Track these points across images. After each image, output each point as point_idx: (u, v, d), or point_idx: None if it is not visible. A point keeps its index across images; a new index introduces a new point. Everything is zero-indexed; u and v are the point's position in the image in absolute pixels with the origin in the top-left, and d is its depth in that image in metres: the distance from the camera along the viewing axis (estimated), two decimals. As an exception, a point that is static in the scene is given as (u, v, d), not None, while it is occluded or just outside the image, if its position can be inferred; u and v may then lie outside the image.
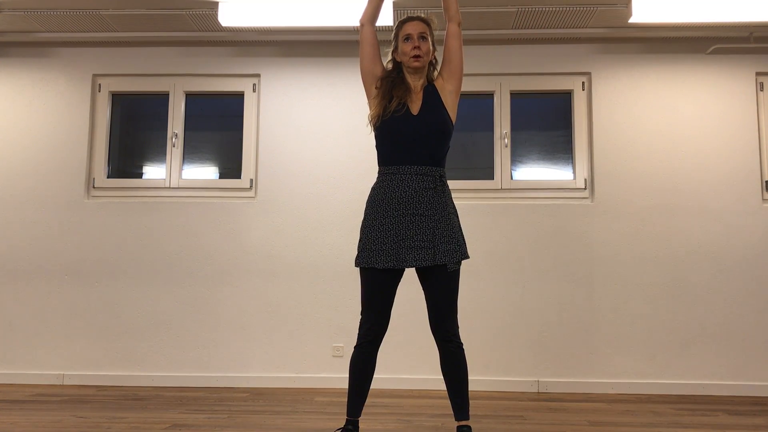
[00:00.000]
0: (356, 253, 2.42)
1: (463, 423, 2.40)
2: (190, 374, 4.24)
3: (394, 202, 2.37)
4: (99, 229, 4.39)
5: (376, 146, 2.48)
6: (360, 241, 2.42)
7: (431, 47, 2.49)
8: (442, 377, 2.45)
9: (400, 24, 2.50)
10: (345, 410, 2.50)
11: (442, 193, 2.39)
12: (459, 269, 2.40)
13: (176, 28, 4.37)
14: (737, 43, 4.28)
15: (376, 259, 2.35)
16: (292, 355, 4.24)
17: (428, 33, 2.48)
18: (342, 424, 2.58)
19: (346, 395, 2.47)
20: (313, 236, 4.33)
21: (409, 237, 2.34)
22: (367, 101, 2.54)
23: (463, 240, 2.43)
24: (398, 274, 2.41)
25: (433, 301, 2.39)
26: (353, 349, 2.43)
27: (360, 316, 2.43)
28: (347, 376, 2.46)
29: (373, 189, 2.45)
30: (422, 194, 2.36)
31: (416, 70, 2.47)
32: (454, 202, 2.51)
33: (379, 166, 2.47)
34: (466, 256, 2.41)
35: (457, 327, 2.41)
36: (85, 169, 4.46)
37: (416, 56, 2.43)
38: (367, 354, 2.40)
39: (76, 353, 4.29)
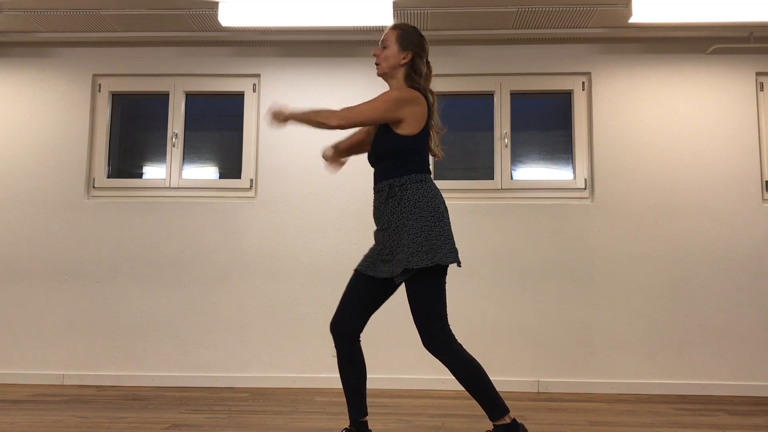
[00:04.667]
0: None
1: (495, 422, 2.35)
2: (190, 374, 4.24)
3: (375, 219, 2.49)
4: (99, 229, 4.39)
5: None
6: None
7: (396, 52, 2.44)
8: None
9: None
10: (345, 410, 2.49)
11: (397, 203, 2.36)
12: (422, 281, 2.30)
13: (176, 28, 4.37)
14: (737, 43, 4.28)
15: (360, 263, 2.49)
16: (292, 355, 4.24)
17: (391, 39, 2.45)
18: (344, 424, 2.58)
19: (344, 392, 2.47)
20: (313, 236, 4.33)
21: (378, 251, 2.43)
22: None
23: (419, 248, 2.27)
24: (367, 280, 2.43)
25: (411, 308, 2.36)
26: None
27: None
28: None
29: None
30: (380, 210, 2.43)
31: (383, 78, 2.52)
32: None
33: None
34: (418, 264, 2.26)
35: (435, 338, 2.31)
36: (85, 169, 4.46)
37: (376, 64, 2.50)
38: (341, 350, 2.43)
39: (76, 353, 4.29)
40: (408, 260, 2.28)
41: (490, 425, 2.40)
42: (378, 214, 2.44)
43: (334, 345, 2.46)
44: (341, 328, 2.44)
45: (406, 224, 2.32)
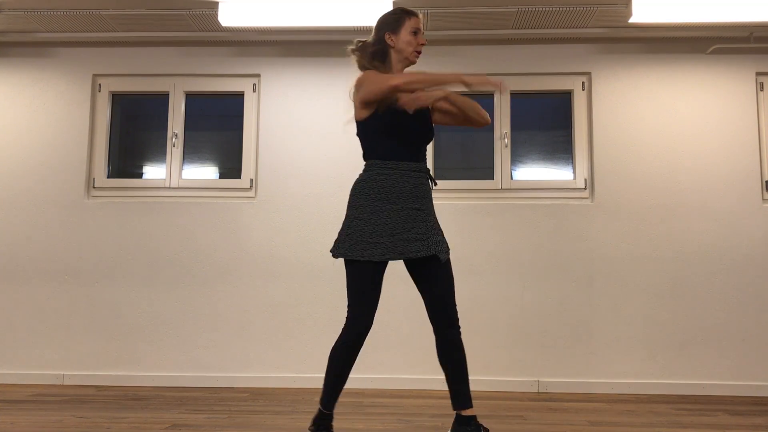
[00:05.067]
0: (337, 243, 2.43)
1: (470, 412, 2.43)
2: (190, 374, 4.24)
3: (392, 197, 2.39)
4: (99, 229, 4.39)
5: (369, 139, 2.47)
6: (349, 233, 2.39)
7: None
8: (441, 377, 2.45)
9: (408, 14, 2.49)
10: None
11: (428, 188, 2.51)
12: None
13: (176, 28, 4.37)
14: (737, 43, 4.28)
15: (372, 252, 2.35)
16: (292, 355, 4.24)
17: None
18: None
19: (329, 384, 2.42)
20: (313, 236, 4.33)
21: (406, 230, 2.38)
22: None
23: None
24: (379, 267, 2.42)
25: (438, 292, 2.41)
26: (340, 345, 2.40)
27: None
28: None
29: (364, 182, 2.44)
30: (419, 189, 2.43)
31: (408, 65, 2.52)
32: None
33: (371, 159, 2.47)
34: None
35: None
36: (85, 169, 4.46)
37: (419, 53, 2.49)
38: (356, 349, 2.41)
39: (76, 353, 4.29)
40: (446, 243, 2.48)
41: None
42: (418, 192, 2.43)
43: (356, 344, 2.38)
44: (369, 325, 2.40)
45: (433, 212, 2.52)
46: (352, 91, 2.45)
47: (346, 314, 2.41)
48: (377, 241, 2.36)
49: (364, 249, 2.36)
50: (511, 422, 3.09)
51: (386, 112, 2.40)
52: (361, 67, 2.49)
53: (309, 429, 2.47)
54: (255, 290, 4.31)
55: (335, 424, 2.92)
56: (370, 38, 2.51)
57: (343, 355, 2.40)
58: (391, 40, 2.46)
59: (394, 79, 2.32)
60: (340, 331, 2.42)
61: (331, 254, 2.44)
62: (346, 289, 2.41)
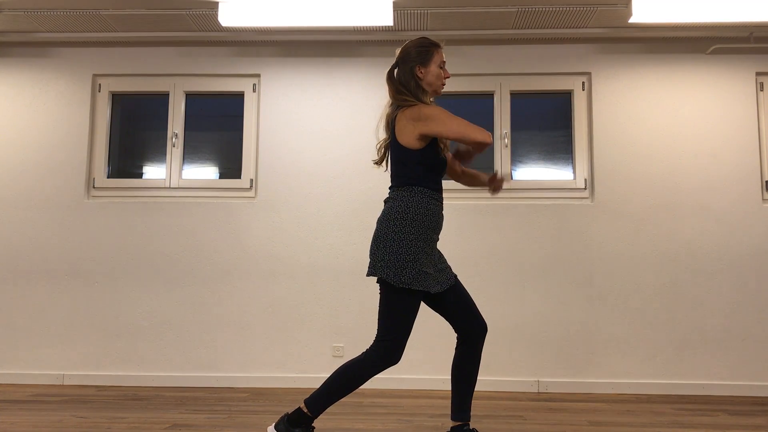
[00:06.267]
0: (395, 270, 2.30)
1: (468, 422, 2.46)
2: (190, 374, 4.24)
3: (438, 228, 2.44)
4: (99, 229, 4.39)
5: (413, 167, 2.40)
6: (409, 261, 2.30)
7: None
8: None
9: (436, 46, 2.48)
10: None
11: None
12: None
13: (176, 28, 4.37)
14: (737, 43, 4.28)
15: (432, 283, 2.36)
16: (292, 355, 4.24)
17: None
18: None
19: (330, 396, 2.43)
20: (313, 236, 4.33)
21: (441, 261, 2.47)
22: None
23: None
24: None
25: (467, 303, 2.46)
26: (364, 368, 2.35)
27: (388, 337, 2.34)
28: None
29: (417, 208, 2.37)
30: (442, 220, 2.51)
31: (434, 97, 2.53)
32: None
33: (417, 186, 2.40)
34: None
35: None
36: (85, 169, 4.46)
37: (444, 85, 2.52)
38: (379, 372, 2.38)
39: (76, 353, 4.29)
40: None
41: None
42: (441, 223, 2.47)
43: (380, 372, 2.36)
44: (399, 359, 2.36)
45: None
46: (395, 114, 2.42)
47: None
48: (429, 272, 2.36)
49: (425, 280, 2.33)
50: (511, 422, 3.09)
51: (438, 147, 2.44)
52: (395, 98, 2.46)
53: (288, 430, 2.39)
54: (255, 290, 4.31)
55: (336, 424, 2.93)
56: (397, 68, 2.48)
57: (364, 378, 2.37)
58: (421, 72, 2.45)
59: (483, 135, 2.30)
60: (366, 353, 2.36)
61: (381, 278, 2.32)
62: (383, 316, 2.34)
